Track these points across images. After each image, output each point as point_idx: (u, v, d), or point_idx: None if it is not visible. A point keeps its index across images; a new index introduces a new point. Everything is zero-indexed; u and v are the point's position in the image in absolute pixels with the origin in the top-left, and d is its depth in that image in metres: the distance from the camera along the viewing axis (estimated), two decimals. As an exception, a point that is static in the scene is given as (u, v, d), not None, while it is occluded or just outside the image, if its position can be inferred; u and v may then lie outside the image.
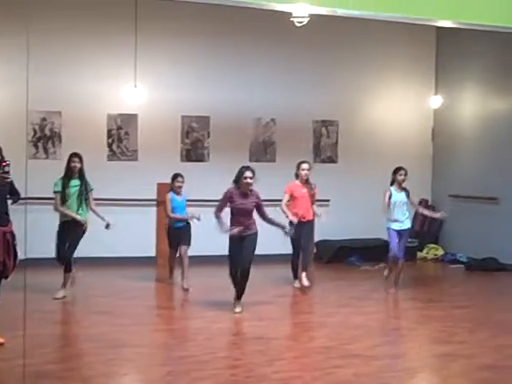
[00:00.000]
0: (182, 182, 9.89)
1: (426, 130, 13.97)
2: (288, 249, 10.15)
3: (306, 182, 10.11)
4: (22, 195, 7.21)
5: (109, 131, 12.15)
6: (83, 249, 9.28)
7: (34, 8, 10.88)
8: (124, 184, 11.93)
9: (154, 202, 12.17)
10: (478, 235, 12.60)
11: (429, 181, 13.95)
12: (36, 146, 11.76)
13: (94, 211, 9.19)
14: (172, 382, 5.93)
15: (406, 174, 9.79)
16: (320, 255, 12.50)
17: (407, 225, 9.91)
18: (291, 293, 9.98)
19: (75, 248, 9.04)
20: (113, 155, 12.18)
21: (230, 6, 8.52)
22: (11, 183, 6.92)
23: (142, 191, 12.02)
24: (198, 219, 9.76)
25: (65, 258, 8.95)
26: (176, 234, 9.90)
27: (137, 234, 12.01)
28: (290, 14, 8.81)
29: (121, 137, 12.22)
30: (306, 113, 12.98)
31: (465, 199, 13.10)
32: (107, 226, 9.13)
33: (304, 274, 10.00)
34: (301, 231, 9.95)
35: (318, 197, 10.40)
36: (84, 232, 9.03)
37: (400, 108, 13.72)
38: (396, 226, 9.74)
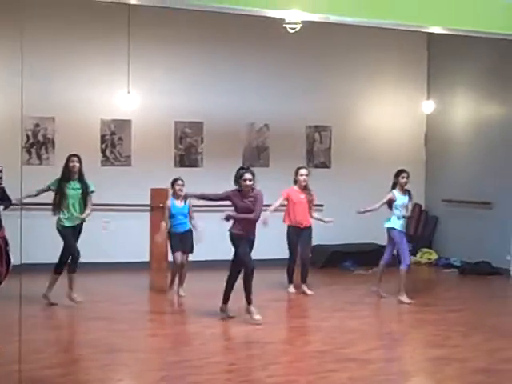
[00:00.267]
0: (183, 185, 9.73)
1: (418, 135, 14.00)
2: (283, 253, 10.19)
3: (305, 188, 10.10)
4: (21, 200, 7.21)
5: (102, 137, 12.16)
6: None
7: (28, 14, 10.92)
8: (117, 189, 11.90)
9: (148, 208, 12.18)
10: (472, 239, 12.64)
11: (422, 186, 13.92)
12: (29, 152, 11.74)
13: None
14: (167, 387, 5.94)
15: (408, 177, 9.63)
16: (314, 260, 12.50)
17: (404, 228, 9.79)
18: (286, 297, 10.00)
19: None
20: (106, 161, 12.18)
21: (223, 12, 8.58)
22: (3, 189, 6.90)
23: (135, 196, 12.02)
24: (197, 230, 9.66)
25: (78, 252, 8.83)
26: (178, 239, 9.70)
27: (131, 240, 12.02)
28: (282, 21, 8.86)
29: (114, 142, 12.22)
30: (299, 118, 13.01)
31: (458, 204, 13.14)
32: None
33: (304, 285, 10.08)
34: (298, 237, 9.96)
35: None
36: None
37: (393, 113, 13.76)
38: (400, 227, 9.57)
